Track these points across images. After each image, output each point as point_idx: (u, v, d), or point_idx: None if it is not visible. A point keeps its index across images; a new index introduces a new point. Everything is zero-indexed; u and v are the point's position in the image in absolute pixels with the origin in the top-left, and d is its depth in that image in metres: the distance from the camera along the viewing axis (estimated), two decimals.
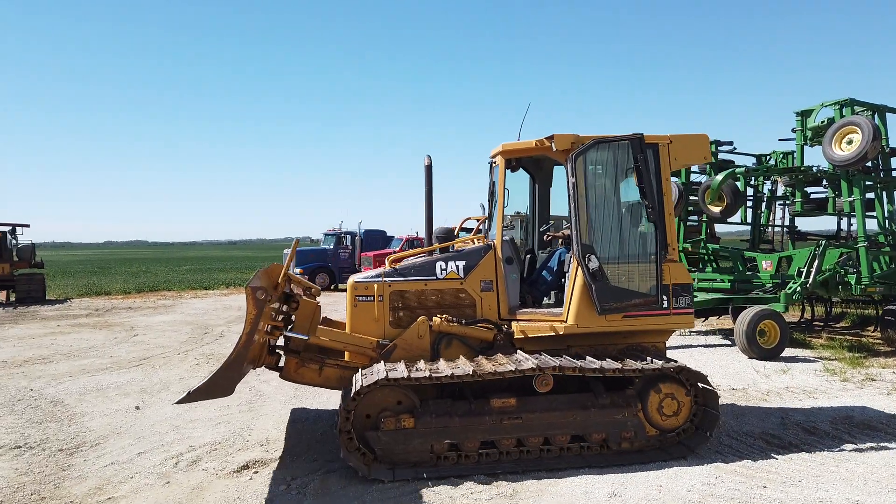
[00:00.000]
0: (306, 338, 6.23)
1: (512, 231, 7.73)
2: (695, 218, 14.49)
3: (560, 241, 7.04)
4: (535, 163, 7.48)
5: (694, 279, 13.81)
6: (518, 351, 6.26)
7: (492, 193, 6.84)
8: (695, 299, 13.12)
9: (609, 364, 5.79)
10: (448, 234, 6.88)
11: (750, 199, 15.28)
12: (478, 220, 22.22)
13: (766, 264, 13.12)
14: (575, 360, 5.90)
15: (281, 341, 6.45)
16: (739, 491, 5.23)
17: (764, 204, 15.27)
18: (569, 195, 6.14)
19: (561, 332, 6.18)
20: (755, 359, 10.82)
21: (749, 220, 15.12)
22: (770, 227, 15.51)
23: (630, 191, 6.24)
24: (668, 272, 6.26)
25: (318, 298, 6.84)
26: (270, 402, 8.27)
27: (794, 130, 12.89)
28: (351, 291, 6.35)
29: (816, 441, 6.46)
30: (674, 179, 14.20)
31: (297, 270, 26.55)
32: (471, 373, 5.50)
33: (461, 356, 6.22)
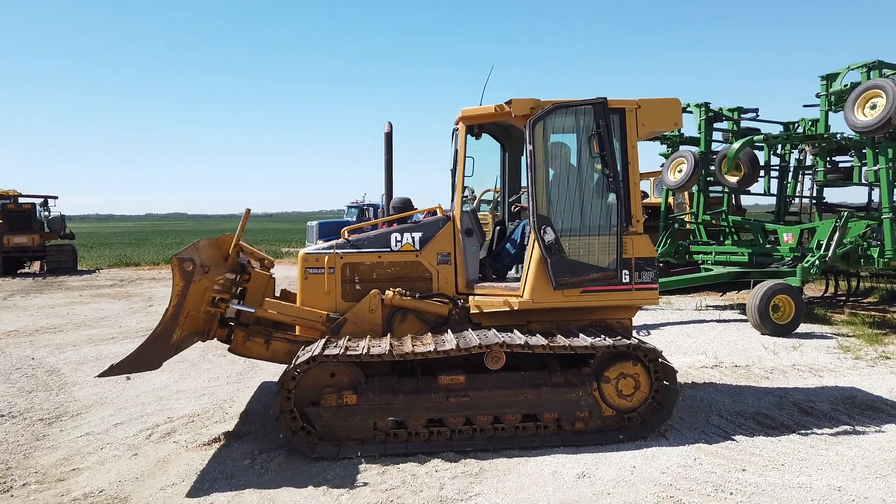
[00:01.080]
0: (253, 310, 6.10)
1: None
2: (718, 189, 13.96)
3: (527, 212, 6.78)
4: (503, 130, 7.20)
5: (710, 252, 13.36)
6: (468, 328, 6.05)
7: (456, 162, 6.57)
8: (710, 272, 12.80)
9: (536, 340, 5.55)
10: (406, 205, 6.61)
11: (775, 169, 14.68)
12: (496, 192, 21.97)
13: (788, 237, 12.59)
14: (511, 336, 5.65)
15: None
16: (716, 474, 4.97)
17: (790, 174, 14.66)
18: (526, 163, 5.86)
19: (515, 308, 5.94)
20: (768, 335, 10.42)
21: (775, 190, 14.54)
22: (798, 199, 14.90)
23: (593, 159, 5.94)
24: (630, 245, 5.97)
25: (272, 270, 6.69)
26: (261, 373, 8.23)
27: (818, 95, 12.24)
28: (301, 263, 6.17)
29: (811, 422, 6.14)
30: (691, 148, 13.70)
31: (321, 243, 26.57)
32: (386, 352, 5.33)
33: (413, 332, 6.07)
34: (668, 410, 5.74)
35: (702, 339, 10.08)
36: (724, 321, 11.75)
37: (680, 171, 12.67)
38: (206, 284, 5.62)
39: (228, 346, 6.23)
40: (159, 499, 4.71)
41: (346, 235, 6.28)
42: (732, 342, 9.90)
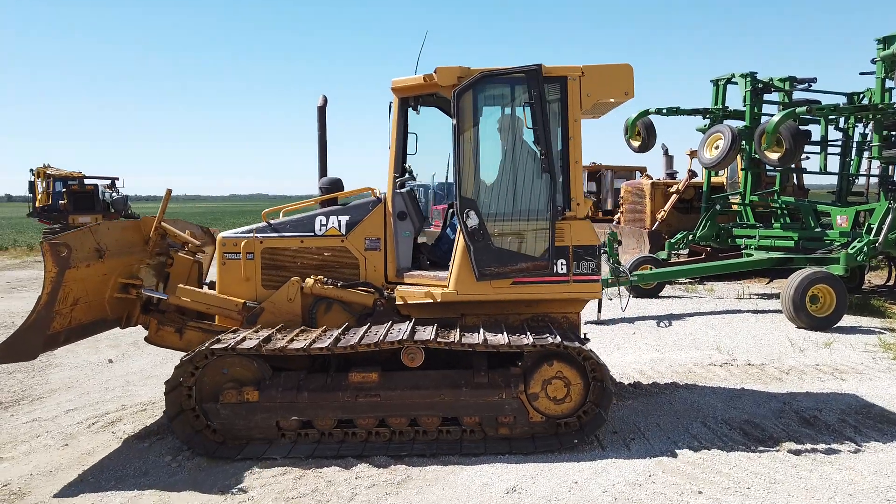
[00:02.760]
0: (165, 296, 5.79)
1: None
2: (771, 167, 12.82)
3: None
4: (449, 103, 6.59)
5: (754, 236, 12.28)
6: (392, 320, 5.55)
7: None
8: (747, 259, 11.75)
9: (423, 335, 5.03)
10: (335, 185, 6.10)
11: (835, 145, 13.34)
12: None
13: (841, 220, 11.39)
14: (397, 331, 5.18)
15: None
16: (664, 496, 4.33)
17: (854, 150, 13.29)
18: (452, 140, 5.28)
19: (438, 300, 5.41)
20: (804, 328, 9.41)
21: (833, 169, 13.24)
22: (862, 178, 13.52)
23: (528, 134, 5.31)
24: (567, 232, 5.34)
25: (199, 255, 6.33)
26: None
27: (873, 61, 10.92)
28: (219, 248, 5.78)
29: (807, 435, 5.34)
30: (736, 123, 12.59)
31: None
32: (253, 347, 4.93)
33: (338, 323, 5.61)
34: (602, 417, 5.12)
35: (725, 332, 9.20)
36: (761, 312, 10.74)
37: (716, 148, 11.63)
38: (105, 270, 5.35)
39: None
40: (55, 497, 4.50)
41: (267, 218, 5.87)
42: (758, 336, 8.97)
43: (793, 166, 12.52)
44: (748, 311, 10.86)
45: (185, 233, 6.24)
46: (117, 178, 27.11)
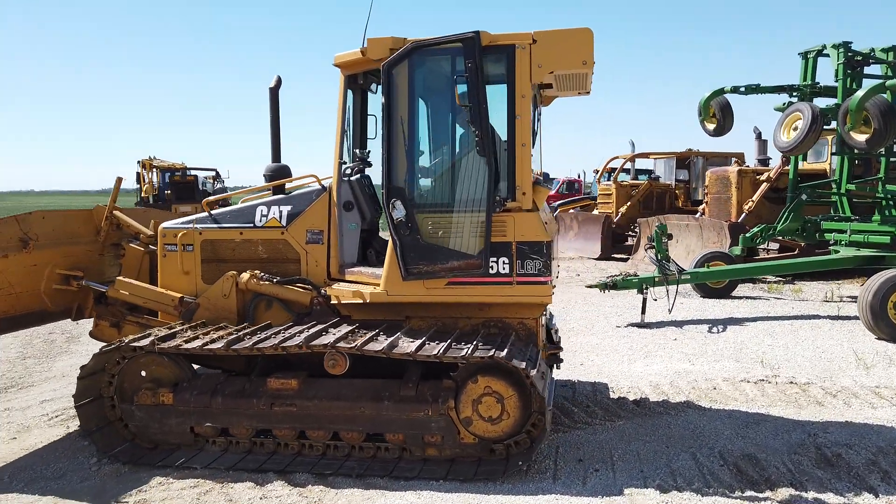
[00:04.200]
0: (104, 289, 5.53)
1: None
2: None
3: None
4: None
5: (845, 230, 10.70)
6: (330, 321, 4.99)
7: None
8: (837, 255, 10.24)
9: (321, 340, 4.48)
10: (280, 172, 5.59)
11: None
12: (625, 159, 19.84)
13: None
14: (285, 334, 4.67)
15: None
16: None
17: None
18: (382, 120, 4.65)
19: (367, 300, 4.85)
20: (885, 340, 7.98)
21: None
22: None
23: (465, 114, 4.59)
24: (509, 226, 4.59)
25: (153, 246, 6.04)
26: None
27: None
28: (160, 239, 5.46)
29: (817, 480, 4.30)
30: (833, 101, 11.00)
31: None
32: (114, 347, 4.61)
33: (278, 322, 5.14)
34: (532, 446, 4.39)
35: (782, 342, 7.96)
36: (842, 318, 9.26)
37: (795, 130, 10.18)
38: (33, 260, 5.18)
39: None
40: None
41: (207, 208, 5.50)
42: (822, 348, 7.67)
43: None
44: (826, 316, 9.42)
45: (151, 224, 6.03)
46: (213, 170, 28.31)
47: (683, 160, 19.34)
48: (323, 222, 5.19)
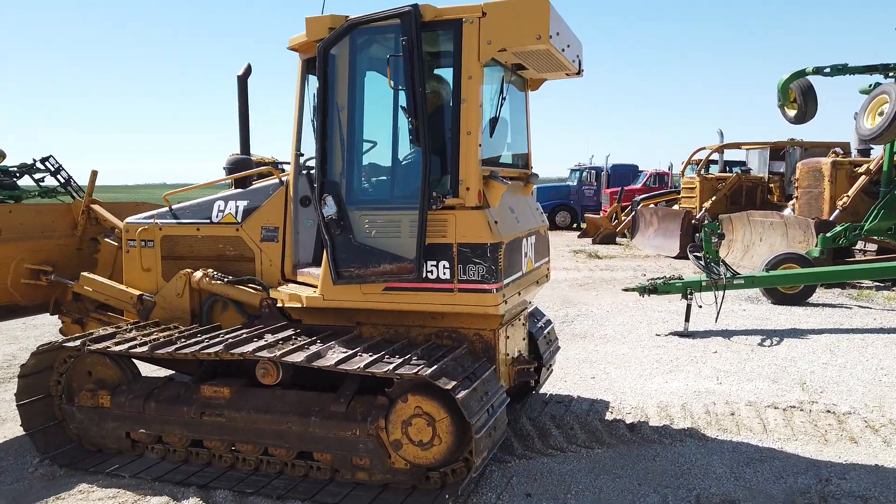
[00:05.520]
0: (71, 284, 5.43)
1: None
2: None
3: None
4: None
5: (892, 228, 9.22)
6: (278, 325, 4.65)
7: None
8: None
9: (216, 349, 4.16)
10: (241, 165, 5.26)
11: None
12: (712, 150, 18.38)
13: None
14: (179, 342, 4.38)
15: None
16: None
17: None
18: (316, 107, 4.22)
19: (304, 304, 4.47)
20: None
21: None
22: None
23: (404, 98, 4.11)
24: (451, 225, 4.03)
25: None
26: None
27: None
28: (123, 235, 5.30)
29: None
30: None
31: None
32: (48, 347, 4.52)
33: (232, 325, 4.86)
34: (459, 480, 3.89)
35: (841, 360, 6.87)
36: None
37: (881, 115, 8.85)
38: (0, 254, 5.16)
39: None
40: None
41: (167, 202, 5.28)
42: (886, 370, 6.53)
43: None
44: (892, 329, 8.14)
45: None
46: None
47: (779, 151, 17.68)
48: (279, 219, 4.87)
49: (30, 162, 19.51)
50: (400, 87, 4.05)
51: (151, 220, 5.23)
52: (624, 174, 25.86)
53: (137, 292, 5.18)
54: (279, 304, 4.69)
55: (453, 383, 3.78)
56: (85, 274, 5.41)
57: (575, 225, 25.06)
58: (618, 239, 19.83)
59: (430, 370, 3.80)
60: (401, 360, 3.96)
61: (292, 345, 4.23)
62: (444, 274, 4.09)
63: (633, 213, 19.34)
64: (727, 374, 6.47)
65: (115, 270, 5.67)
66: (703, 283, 8.27)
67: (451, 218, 4.07)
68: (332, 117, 4.27)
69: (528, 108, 5.28)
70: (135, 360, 4.85)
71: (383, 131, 4.38)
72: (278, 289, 4.75)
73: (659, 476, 4.29)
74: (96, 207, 5.76)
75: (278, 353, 4.07)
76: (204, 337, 4.48)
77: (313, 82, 4.54)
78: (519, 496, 4.05)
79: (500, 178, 4.22)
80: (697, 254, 8.33)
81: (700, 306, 8.26)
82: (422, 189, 4.00)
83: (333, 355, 4.07)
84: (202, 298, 5.05)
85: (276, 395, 4.32)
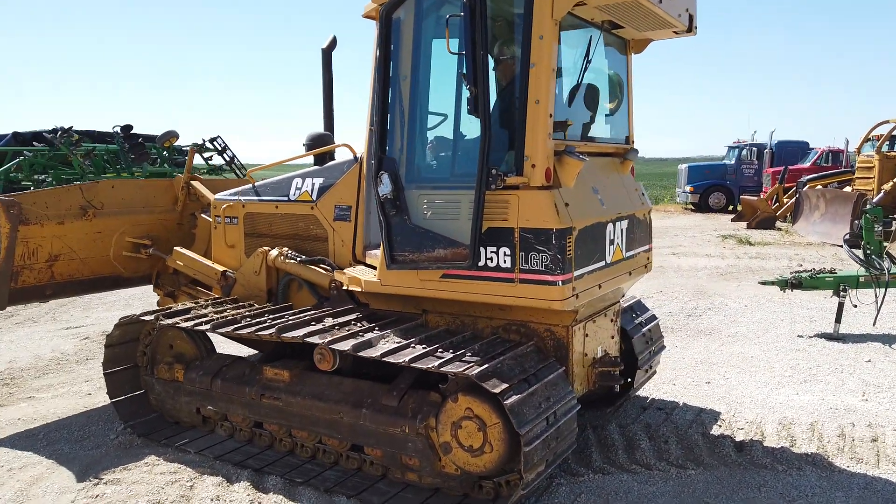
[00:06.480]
0: (165, 258, 5.55)
1: None
2: None
3: None
4: None
5: None
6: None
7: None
8: None
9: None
10: (321, 141, 4.99)
11: None
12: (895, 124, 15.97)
13: None
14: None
15: None
16: None
17: None
18: (373, 75, 3.87)
19: (361, 289, 4.22)
20: None
21: None
22: None
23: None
24: (513, 207, 3.56)
25: None
26: None
27: None
28: (212, 211, 5.33)
29: None
30: None
31: (688, 189, 23.70)
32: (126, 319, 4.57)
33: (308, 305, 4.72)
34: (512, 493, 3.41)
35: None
36: None
37: None
38: (98, 227, 5.36)
39: None
40: None
41: (252, 179, 5.21)
42: None
43: None
44: None
45: None
46: None
47: None
48: (352, 197, 4.64)
49: (200, 142, 21.32)
50: (460, 52, 3.61)
51: (236, 197, 5.22)
52: (791, 152, 23.34)
53: (222, 268, 5.21)
54: (345, 287, 4.47)
55: (504, 386, 3.35)
56: (177, 248, 5.52)
57: (731, 208, 23.06)
58: (777, 224, 17.93)
59: (479, 370, 3.39)
60: (452, 356, 3.58)
61: (347, 331, 3.99)
62: (505, 262, 3.63)
63: (797, 194, 17.34)
64: (878, 390, 5.42)
65: (210, 246, 5.77)
66: (862, 279, 7.04)
67: (514, 199, 3.60)
68: (394, 88, 3.93)
69: (629, 74, 4.63)
70: (221, 338, 4.90)
71: (447, 103, 3.98)
72: (344, 271, 4.52)
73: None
74: (195, 184, 5.87)
75: (329, 338, 3.84)
76: (268, 317, 4.37)
77: None
78: None
79: (576, 154, 3.68)
80: (853, 245, 7.10)
81: (855, 306, 7.06)
82: (479, 165, 3.56)
83: (384, 345, 3.78)
84: (279, 277, 4.97)
85: (332, 382, 4.12)
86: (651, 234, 4.73)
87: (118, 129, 15.04)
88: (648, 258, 4.68)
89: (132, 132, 15.20)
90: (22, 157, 13.57)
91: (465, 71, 3.55)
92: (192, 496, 3.89)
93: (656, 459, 4.19)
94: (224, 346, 5.62)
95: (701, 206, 23.23)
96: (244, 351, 5.73)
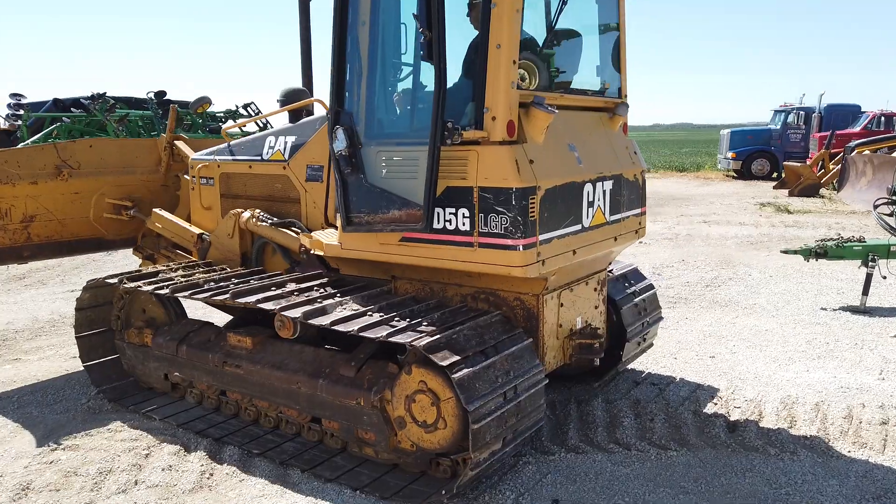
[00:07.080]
0: (144, 219, 5.38)
1: None
2: None
3: None
4: None
5: None
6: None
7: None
8: None
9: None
10: (295, 96, 4.70)
11: None
12: None
13: None
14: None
15: None
16: None
17: None
18: (333, 27, 3.57)
19: (321, 252, 3.99)
20: None
21: None
22: None
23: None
24: (471, 164, 3.27)
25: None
26: None
27: None
28: (189, 171, 5.14)
29: None
30: None
31: (730, 155, 22.75)
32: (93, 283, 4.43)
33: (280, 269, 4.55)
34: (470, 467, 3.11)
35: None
36: None
37: None
38: (74, 188, 5.21)
39: None
40: None
41: (227, 137, 4.97)
42: None
43: None
44: None
45: None
46: None
47: None
48: (324, 156, 4.38)
49: (233, 108, 21.39)
50: None
51: (212, 157, 5.02)
52: (842, 116, 22.07)
53: (199, 231, 5.04)
54: (312, 251, 4.25)
55: (454, 359, 3.09)
56: (156, 211, 5.37)
57: (775, 175, 22.07)
58: (822, 191, 17.06)
59: (428, 340, 3.13)
60: (407, 325, 3.33)
61: (306, 297, 3.77)
62: (464, 225, 3.35)
63: (843, 160, 16.42)
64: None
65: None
66: (893, 248, 6.52)
67: (473, 155, 3.29)
68: (351, 35, 3.64)
69: (621, 20, 4.21)
70: (209, 306, 4.77)
71: (409, 52, 3.67)
72: (311, 234, 4.29)
73: (741, 499, 3.28)
74: (179, 143, 5.68)
75: (283, 304, 3.63)
76: (232, 282, 4.18)
77: None
78: (544, 500, 3.29)
79: (544, 106, 3.34)
80: (887, 213, 6.55)
81: (885, 277, 6.55)
82: (433, 118, 3.25)
83: (339, 312, 3.55)
84: (253, 240, 4.77)
85: (293, 350, 3.94)
86: (644, 196, 4.36)
87: (152, 95, 15.11)
88: (640, 223, 4.32)
89: (165, 98, 15.26)
90: (60, 123, 13.73)
91: (416, 11, 3.23)
92: (146, 465, 3.76)
93: (637, 439, 3.90)
94: (216, 314, 5.50)
95: (743, 174, 22.30)
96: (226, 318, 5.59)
